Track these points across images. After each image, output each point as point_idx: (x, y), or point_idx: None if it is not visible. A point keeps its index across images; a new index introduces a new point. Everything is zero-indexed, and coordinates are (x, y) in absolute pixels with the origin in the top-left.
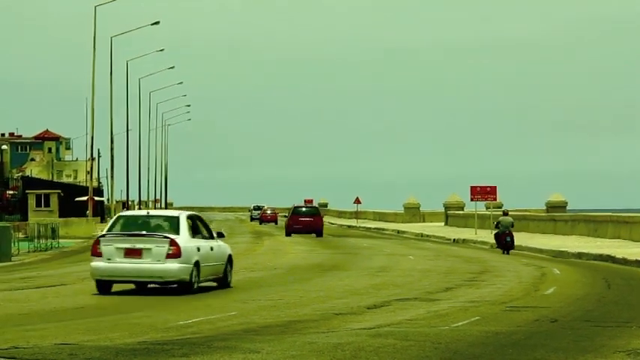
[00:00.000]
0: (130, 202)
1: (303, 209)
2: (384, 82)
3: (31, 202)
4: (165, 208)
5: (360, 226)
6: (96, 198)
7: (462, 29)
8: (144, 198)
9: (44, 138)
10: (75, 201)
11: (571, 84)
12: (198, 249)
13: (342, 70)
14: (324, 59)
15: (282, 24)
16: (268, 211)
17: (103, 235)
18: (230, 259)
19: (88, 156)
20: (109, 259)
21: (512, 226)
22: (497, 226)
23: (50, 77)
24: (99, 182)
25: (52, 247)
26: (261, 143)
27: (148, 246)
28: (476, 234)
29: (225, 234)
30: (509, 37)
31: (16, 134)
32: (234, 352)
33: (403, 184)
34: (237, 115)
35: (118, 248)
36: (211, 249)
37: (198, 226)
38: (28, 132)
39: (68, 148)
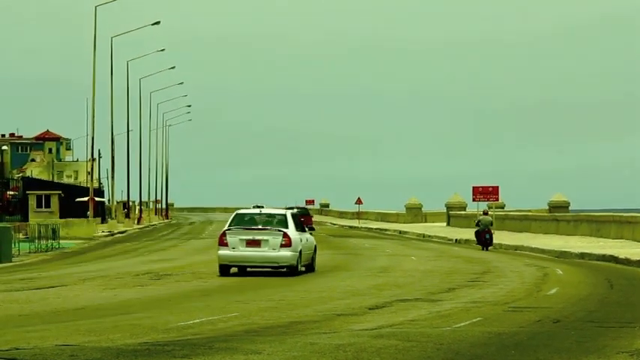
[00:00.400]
0: (130, 203)
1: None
2: (386, 82)
3: (32, 202)
4: (166, 208)
5: (361, 227)
6: (96, 199)
7: (463, 28)
8: (145, 198)
9: (45, 138)
10: (75, 202)
11: (573, 83)
12: (301, 240)
13: (343, 69)
14: (326, 58)
15: (283, 24)
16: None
17: (229, 229)
18: (315, 248)
19: (89, 156)
20: (234, 248)
21: (492, 224)
22: (477, 225)
23: (51, 77)
24: (99, 183)
25: (52, 248)
26: (263, 143)
27: (265, 238)
28: None
29: (315, 228)
30: (511, 36)
31: (16, 135)
32: (235, 353)
33: (405, 184)
34: (238, 115)
35: (241, 239)
36: (306, 240)
37: (299, 222)
38: (29, 132)
39: (69, 148)
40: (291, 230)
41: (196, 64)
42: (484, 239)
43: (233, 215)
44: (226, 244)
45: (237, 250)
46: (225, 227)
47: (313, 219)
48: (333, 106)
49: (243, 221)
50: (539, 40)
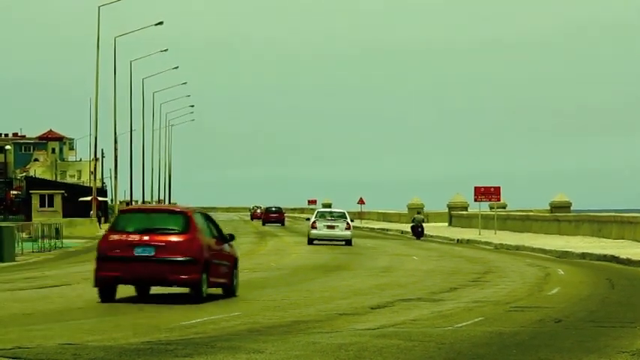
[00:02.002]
0: (133, 203)
1: (273, 208)
2: (388, 82)
3: (35, 202)
4: None
5: (363, 227)
6: (99, 198)
7: (465, 29)
8: (147, 198)
9: (48, 138)
10: (79, 201)
11: (575, 83)
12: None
13: (345, 70)
14: (327, 59)
15: (285, 24)
16: (258, 211)
17: (316, 219)
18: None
19: (92, 156)
20: (319, 230)
21: (423, 221)
22: (413, 221)
23: (54, 78)
24: (102, 182)
25: (55, 248)
26: (265, 143)
27: (337, 224)
28: (480, 234)
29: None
30: (513, 37)
31: (19, 134)
32: (237, 352)
33: (407, 184)
34: (241, 115)
35: (324, 225)
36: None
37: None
38: (32, 132)
39: (72, 148)
40: (349, 220)
41: (199, 64)
42: (417, 232)
43: (316, 212)
44: (316, 227)
45: (321, 230)
46: (313, 219)
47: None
48: (335, 106)
49: (322, 215)
50: (541, 40)
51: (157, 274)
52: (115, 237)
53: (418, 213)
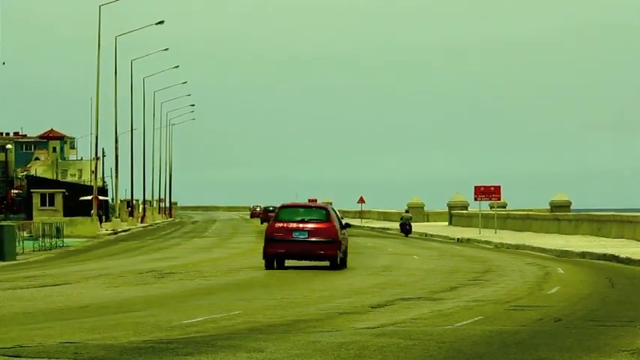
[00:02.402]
0: (134, 202)
1: (270, 208)
2: (388, 82)
3: (36, 201)
4: (170, 207)
5: (364, 226)
6: (100, 197)
7: (465, 28)
8: (148, 197)
9: (49, 137)
10: (79, 200)
11: (574, 83)
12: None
13: (346, 70)
14: (328, 59)
15: (287, 24)
16: (257, 209)
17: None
18: None
19: (93, 155)
20: None
21: (411, 219)
22: (401, 219)
23: (55, 77)
24: (103, 181)
25: (56, 246)
26: (266, 143)
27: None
28: (480, 233)
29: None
30: (513, 37)
31: (20, 133)
32: (238, 351)
33: (407, 183)
34: (242, 114)
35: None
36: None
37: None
38: (33, 131)
39: (73, 147)
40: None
41: (200, 63)
42: (405, 229)
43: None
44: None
45: None
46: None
47: None
48: (336, 106)
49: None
50: (542, 40)
51: (308, 250)
52: (279, 225)
53: (406, 212)
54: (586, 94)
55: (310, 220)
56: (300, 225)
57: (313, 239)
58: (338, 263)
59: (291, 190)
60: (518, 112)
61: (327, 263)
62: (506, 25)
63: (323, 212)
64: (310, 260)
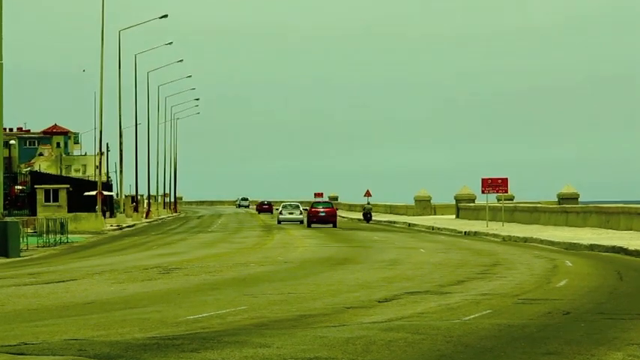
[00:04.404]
0: (139, 197)
1: (265, 202)
2: (394, 74)
3: (40, 197)
4: (175, 202)
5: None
6: (105, 192)
7: (466, 20)
8: (153, 192)
9: (52, 132)
10: (84, 196)
11: (581, 74)
12: (301, 213)
13: (351, 62)
14: (333, 51)
15: (290, 16)
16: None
17: (282, 209)
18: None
19: (97, 150)
20: (284, 215)
21: (371, 210)
22: (363, 209)
23: (59, 71)
24: (108, 177)
25: (60, 242)
26: (272, 136)
27: (294, 211)
28: (487, 226)
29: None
30: (518, 26)
31: (24, 129)
32: (244, 346)
33: (415, 175)
34: (247, 107)
35: (287, 212)
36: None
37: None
38: (37, 127)
39: (77, 142)
40: (301, 209)
41: (204, 57)
42: (367, 217)
43: (281, 205)
44: (282, 214)
45: (285, 215)
46: (281, 209)
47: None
48: (342, 99)
49: (285, 207)
50: (548, 28)
51: (325, 219)
52: (312, 209)
53: (368, 204)
54: (594, 84)
55: (324, 206)
56: (320, 208)
57: (327, 214)
58: (336, 225)
59: (298, 182)
60: (527, 102)
61: (330, 225)
62: (514, 14)
63: (329, 204)
64: (324, 224)
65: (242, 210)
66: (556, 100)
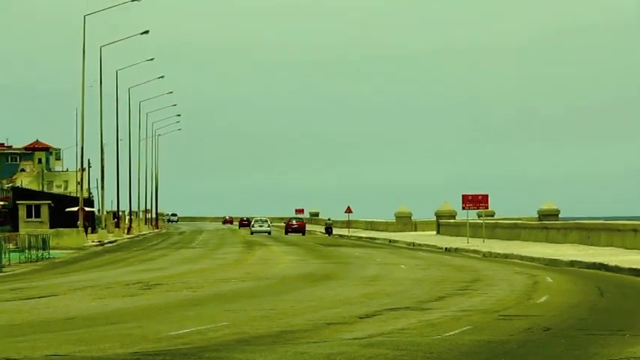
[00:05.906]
0: (120, 213)
1: (245, 218)
2: (375, 88)
3: (22, 212)
4: (156, 218)
5: (351, 236)
6: (86, 208)
7: (453, 33)
8: (134, 208)
9: (34, 148)
10: (65, 211)
11: (565, 88)
12: (269, 225)
13: (332, 76)
14: (315, 65)
15: (271, 32)
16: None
17: (254, 222)
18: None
19: (79, 166)
20: (255, 227)
21: (332, 225)
22: (325, 224)
23: (40, 87)
24: (89, 193)
25: (42, 258)
26: (253, 152)
27: (263, 224)
28: (468, 242)
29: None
30: (504, 42)
31: (6, 145)
32: None
33: (395, 192)
34: (228, 124)
35: (257, 225)
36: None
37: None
38: (18, 142)
39: (58, 158)
40: (269, 223)
41: (185, 73)
42: (328, 231)
43: (253, 219)
44: (254, 226)
45: (256, 227)
46: (253, 222)
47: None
48: (322, 114)
49: (257, 221)
50: (533, 44)
51: (298, 229)
52: (289, 223)
53: (329, 219)
54: (574, 98)
55: (297, 220)
56: (294, 222)
57: (299, 225)
58: (305, 234)
59: (280, 199)
60: (507, 118)
61: (301, 234)
62: (500, 29)
63: (300, 219)
64: (297, 232)
65: (224, 226)
66: (536, 116)
